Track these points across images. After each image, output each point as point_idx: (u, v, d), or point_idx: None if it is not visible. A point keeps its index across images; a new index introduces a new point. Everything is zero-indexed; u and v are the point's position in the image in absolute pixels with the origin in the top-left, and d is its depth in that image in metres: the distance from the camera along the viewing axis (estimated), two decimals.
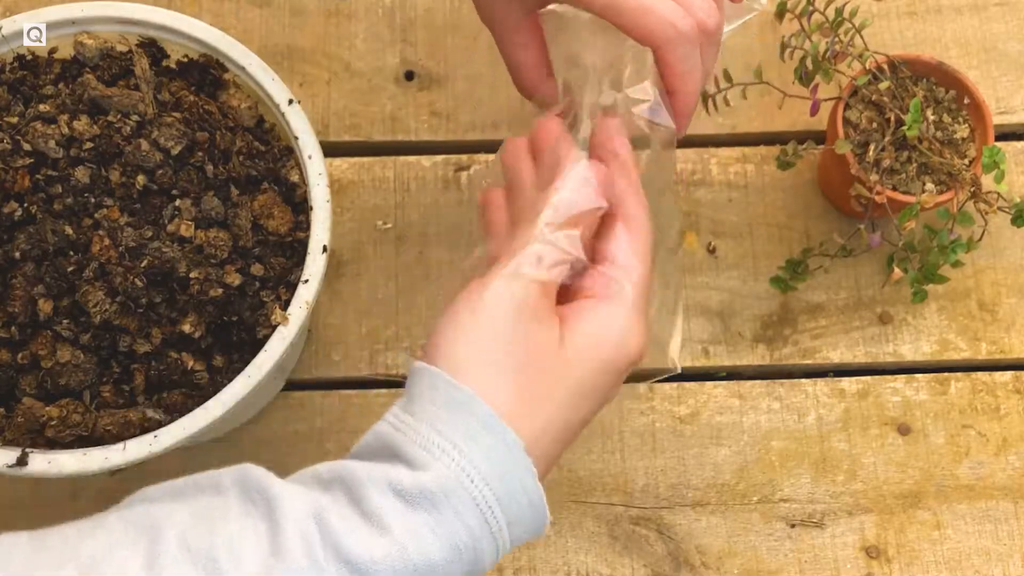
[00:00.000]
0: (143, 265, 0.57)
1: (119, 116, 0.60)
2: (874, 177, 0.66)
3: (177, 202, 0.59)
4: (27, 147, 0.58)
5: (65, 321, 0.58)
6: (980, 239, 0.68)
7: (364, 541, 0.40)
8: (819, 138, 0.72)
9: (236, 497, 0.42)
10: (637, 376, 0.52)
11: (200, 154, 0.60)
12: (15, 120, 0.60)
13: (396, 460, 0.43)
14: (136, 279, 0.57)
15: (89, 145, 0.59)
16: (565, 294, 0.49)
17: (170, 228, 0.58)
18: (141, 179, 0.59)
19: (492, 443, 0.43)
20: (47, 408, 0.58)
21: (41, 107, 0.60)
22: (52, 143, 0.58)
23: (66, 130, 0.59)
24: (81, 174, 0.58)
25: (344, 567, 0.40)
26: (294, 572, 0.39)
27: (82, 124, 0.59)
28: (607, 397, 0.48)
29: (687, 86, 0.51)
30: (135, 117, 0.60)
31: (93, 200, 0.58)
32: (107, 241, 0.57)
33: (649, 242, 0.50)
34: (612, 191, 0.49)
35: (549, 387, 0.45)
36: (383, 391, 0.71)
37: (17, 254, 0.57)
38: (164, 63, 0.65)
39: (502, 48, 0.55)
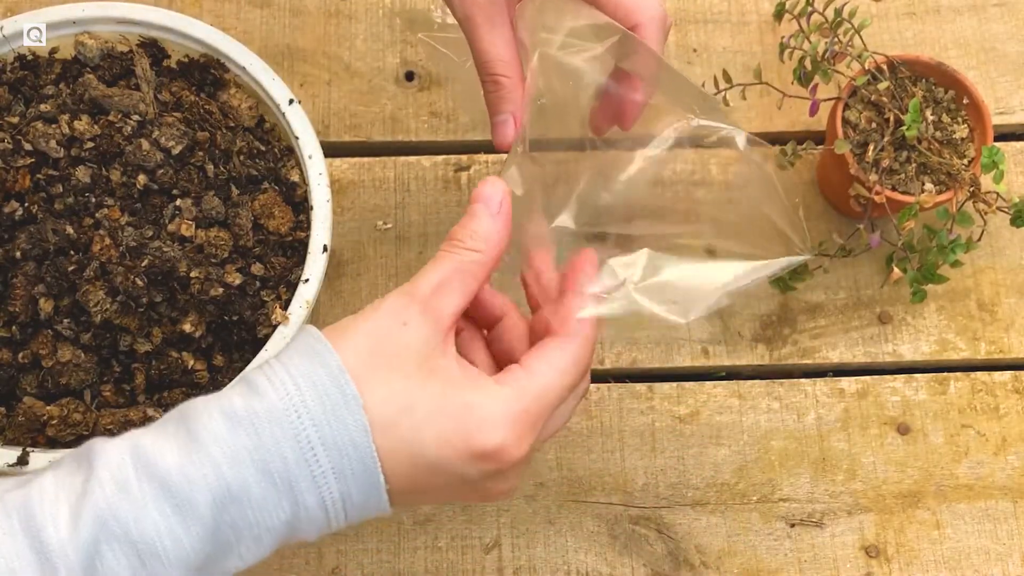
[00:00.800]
0: (144, 265, 0.57)
1: (120, 116, 0.60)
2: (873, 177, 0.66)
3: (178, 202, 0.59)
4: (28, 147, 0.58)
5: (66, 320, 0.58)
6: (979, 239, 0.68)
7: (179, 461, 0.41)
8: (818, 138, 0.72)
9: (68, 461, 0.42)
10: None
11: (201, 154, 0.60)
12: (16, 120, 0.60)
13: (239, 385, 0.44)
14: (137, 279, 0.57)
15: (90, 145, 0.59)
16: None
17: (171, 228, 0.58)
18: (142, 179, 0.59)
19: (331, 391, 0.43)
20: (48, 407, 0.58)
21: (42, 107, 0.60)
22: (53, 143, 0.58)
23: (67, 130, 0.59)
24: (82, 174, 0.58)
25: (159, 488, 0.40)
26: (102, 502, 0.40)
27: (83, 124, 0.59)
28: (459, 481, 0.45)
29: None
30: (136, 117, 0.60)
31: (94, 200, 0.58)
32: (108, 241, 0.57)
33: (576, 375, 0.48)
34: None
35: (411, 391, 0.44)
36: None
37: (18, 253, 0.57)
38: (165, 63, 0.65)
39: (476, 42, 0.55)
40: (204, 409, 0.43)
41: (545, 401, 0.46)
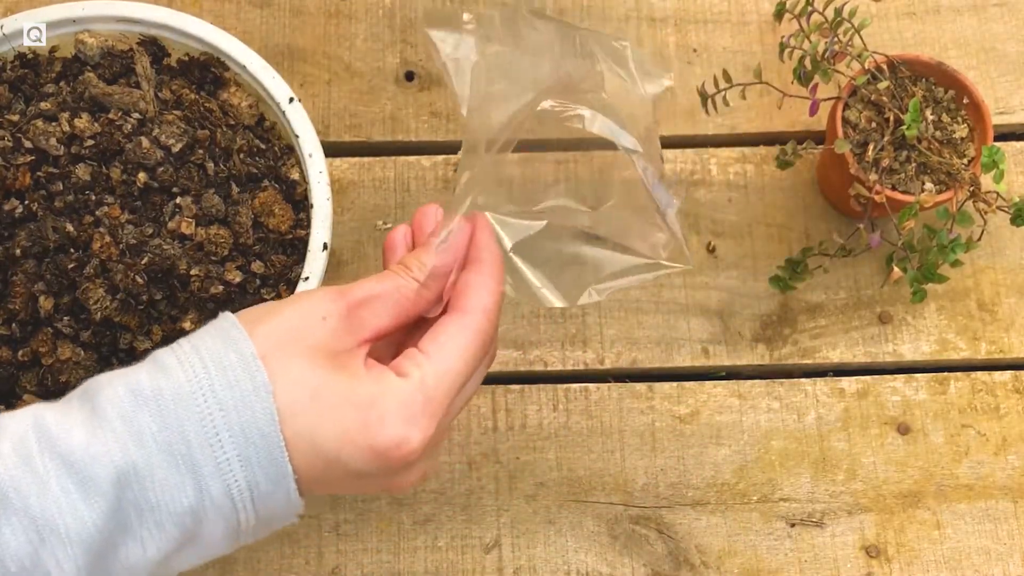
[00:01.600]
0: (144, 262, 0.57)
1: (120, 114, 0.60)
2: (873, 177, 0.66)
3: (178, 200, 0.59)
4: (28, 144, 0.58)
5: (66, 318, 0.58)
6: (979, 239, 0.68)
7: (83, 437, 0.40)
8: (818, 138, 0.72)
9: None
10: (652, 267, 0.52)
11: (201, 152, 0.60)
12: (16, 118, 0.60)
13: (147, 363, 0.43)
14: (137, 276, 0.57)
15: (90, 143, 0.59)
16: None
17: (171, 225, 0.58)
18: (142, 177, 0.59)
19: (241, 376, 0.42)
20: None
21: (42, 105, 0.60)
22: (53, 140, 0.58)
23: (67, 128, 0.59)
24: (82, 172, 0.58)
25: (62, 464, 0.40)
26: (3, 474, 0.39)
27: (83, 122, 0.59)
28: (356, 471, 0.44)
29: None
30: (136, 115, 0.60)
31: (94, 197, 0.58)
32: (108, 239, 0.57)
33: (478, 351, 0.47)
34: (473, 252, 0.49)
35: (318, 380, 0.44)
36: None
37: (18, 251, 0.57)
38: (165, 62, 0.65)
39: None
40: (109, 384, 0.42)
41: (448, 386, 0.45)
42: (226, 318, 0.45)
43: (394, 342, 0.50)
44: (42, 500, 0.39)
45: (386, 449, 0.43)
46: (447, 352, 0.46)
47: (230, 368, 0.42)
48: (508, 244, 0.55)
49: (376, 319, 0.46)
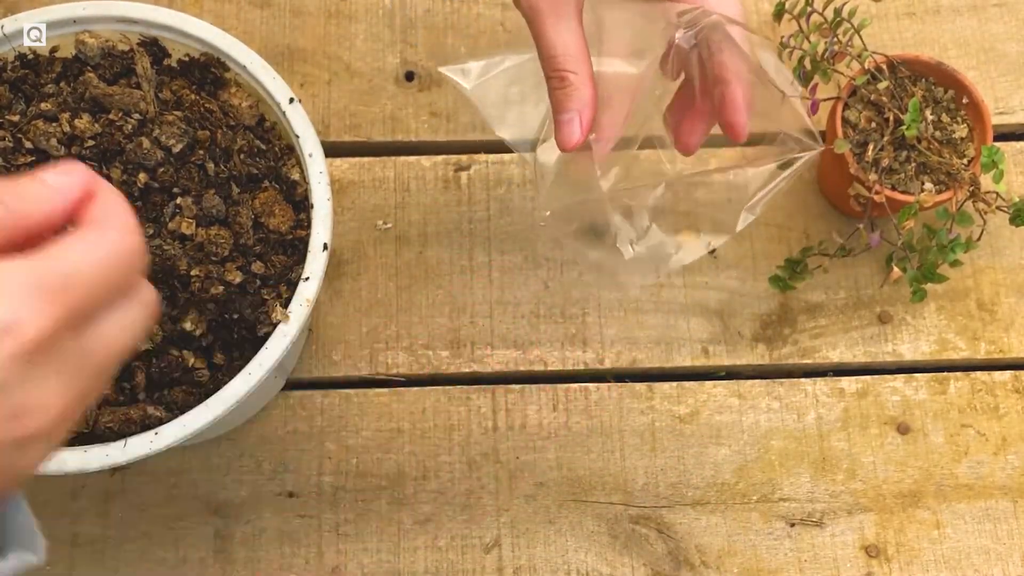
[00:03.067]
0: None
1: (120, 114, 0.60)
2: (873, 176, 0.66)
3: (178, 200, 0.59)
4: (28, 145, 0.58)
5: None
6: (979, 239, 0.68)
7: None
8: None
9: None
10: None
11: (201, 152, 0.60)
12: (17, 118, 0.60)
13: None
14: None
15: (90, 143, 0.59)
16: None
17: (171, 226, 0.58)
18: (142, 177, 0.59)
19: None
20: None
21: (43, 105, 0.60)
22: (54, 141, 0.58)
23: (67, 128, 0.59)
24: None
25: None
26: None
27: (83, 122, 0.59)
28: None
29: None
30: (136, 116, 0.60)
31: None
32: None
33: (109, 247, 0.36)
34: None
35: None
36: (383, 390, 0.71)
37: None
38: (165, 62, 0.65)
39: (541, 36, 0.51)
40: None
41: (69, 272, 0.34)
42: None
43: None
44: None
45: None
46: (69, 243, 0.35)
47: None
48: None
49: None
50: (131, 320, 0.37)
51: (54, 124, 0.59)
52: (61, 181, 0.36)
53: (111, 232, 0.36)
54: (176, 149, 0.59)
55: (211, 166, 0.60)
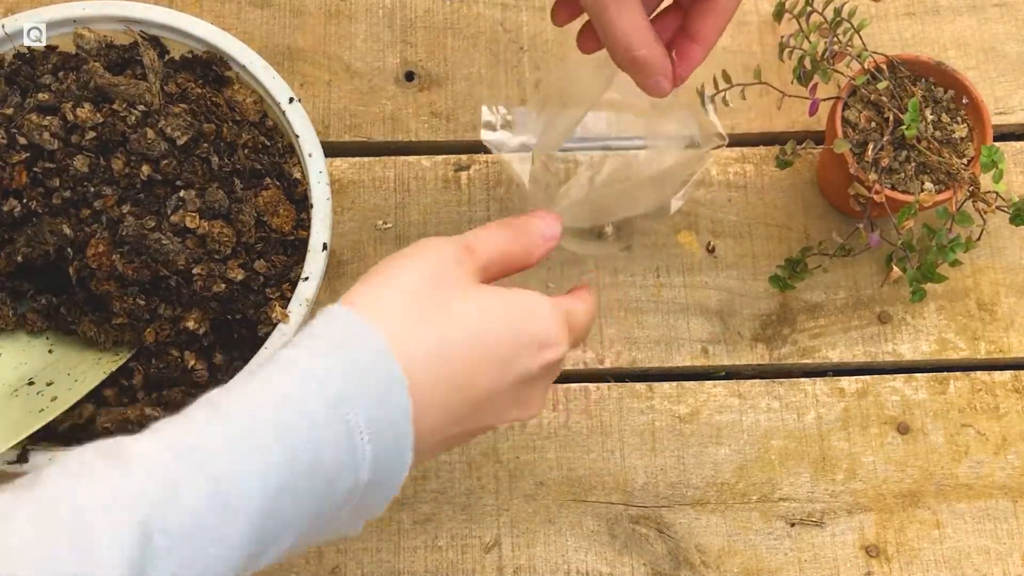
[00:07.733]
0: (136, 264, 0.57)
1: (125, 105, 0.59)
2: (873, 176, 0.66)
3: (181, 192, 0.59)
4: (23, 141, 0.58)
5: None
6: (979, 238, 0.68)
7: (201, 428, 0.41)
8: (818, 138, 0.72)
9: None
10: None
11: (206, 146, 0.60)
12: (11, 111, 0.59)
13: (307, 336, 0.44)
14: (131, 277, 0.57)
15: (92, 133, 0.58)
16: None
17: (174, 219, 0.58)
18: (146, 168, 0.58)
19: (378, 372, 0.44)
20: None
21: (40, 96, 0.59)
22: (47, 135, 0.58)
23: (69, 117, 0.58)
24: (80, 163, 0.58)
25: (184, 456, 0.40)
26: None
27: (85, 112, 0.58)
28: (518, 367, 0.47)
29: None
30: (141, 107, 0.60)
31: (92, 189, 0.58)
32: (102, 248, 0.57)
33: (589, 325, 0.53)
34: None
35: (442, 323, 0.45)
36: None
37: (19, 258, 0.57)
38: (167, 58, 0.65)
39: (608, 26, 0.53)
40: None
41: (578, 321, 0.51)
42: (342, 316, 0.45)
43: None
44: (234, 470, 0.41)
45: (547, 339, 0.48)
46: (573, 298, 0.52)
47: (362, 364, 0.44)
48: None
49: (485, 241, 0.51)
50: (560, 366, 0.51)
51: (48, 117, 0.59)
52: (552, 232, 0.54)
53: (593, 299, 0.53)
54: (181, 141, 0.59)
55: (215, 160, 0.60)
